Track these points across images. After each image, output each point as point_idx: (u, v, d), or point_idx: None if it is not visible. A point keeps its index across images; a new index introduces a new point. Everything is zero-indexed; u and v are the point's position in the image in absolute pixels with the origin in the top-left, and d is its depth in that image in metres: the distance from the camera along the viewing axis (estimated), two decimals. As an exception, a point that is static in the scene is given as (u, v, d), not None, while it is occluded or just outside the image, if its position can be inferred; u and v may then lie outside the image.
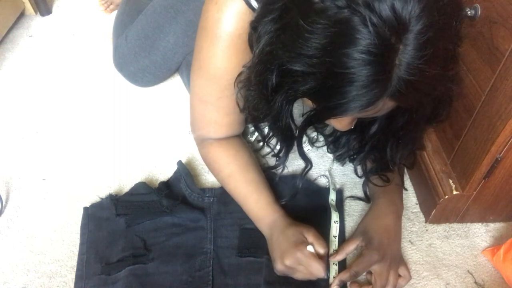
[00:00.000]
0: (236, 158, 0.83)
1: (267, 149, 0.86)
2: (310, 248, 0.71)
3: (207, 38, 0.71)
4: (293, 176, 0.91)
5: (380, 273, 0.73)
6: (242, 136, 0.90)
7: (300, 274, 0.72)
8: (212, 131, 0.83)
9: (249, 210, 0.81)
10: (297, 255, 0.71)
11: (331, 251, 0.79)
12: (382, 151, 0.79)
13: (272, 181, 0.87)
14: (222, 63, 0.72)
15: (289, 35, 0.55)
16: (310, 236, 0.73)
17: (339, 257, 0.78)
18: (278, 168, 0.84)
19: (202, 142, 0.86)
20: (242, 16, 0.67)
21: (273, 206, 0.79)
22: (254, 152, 0.89)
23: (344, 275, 0.74)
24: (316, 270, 0.70)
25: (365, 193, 0.87)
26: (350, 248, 0.78)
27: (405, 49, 0.50)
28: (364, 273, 0.77)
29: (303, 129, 0.66)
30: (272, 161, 0.87)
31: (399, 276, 0.76)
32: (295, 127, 0.72)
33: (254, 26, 0.63)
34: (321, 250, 0.72)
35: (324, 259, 0.72)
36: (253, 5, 0.65)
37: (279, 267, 0.73)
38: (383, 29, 0.48)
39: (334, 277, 0.75)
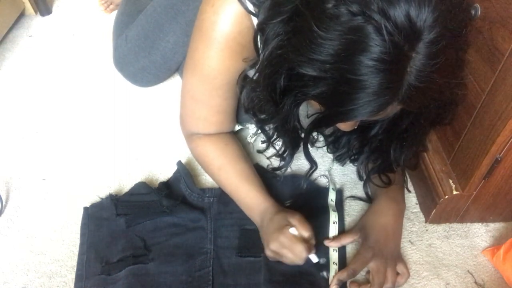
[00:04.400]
0: (226, 151, 0.83)
1: (271, 150, 0.86)
2: (292, 231, 0.72)
3: (202, 40, 0.71)
4: (293, 176, 0.91)
5: (377, 271, 0.73)
6: (242, 137, 0.90)
7: (286, 259, 0.73)
8: (201, 127, 0.84)
9: (240, 200, 0.81)
10: (280, 239, 0.71)
11: (330, 251, 0.79)
12: (386, 152, 0.79)
13: (273, 182, 0.87)
14: (216, 64, 0.72)
15: (301, 39, 0.54)
16: (293, 220, 0.73)
17: (334, 244, 0.79)
18: (282, 169, 0.84)
19: (190, 136, 0.86)
20: (238, 19, 0.67)
21: (264, 195, 0.80)
22: (258, 153, 0.89)
23: (342, 274, 0.74)
24: (299, 251, 0.71)
25: (366, 193, 0.87)
26: (347, 239, 0.80)
27: (417, 56, 0.50)
28: (364, 273, 0.77)
29: (310, 131, 0.66)
30: (275, 162, 0.87)
31: (398, 273, 0.76)
32: (301, 129, 0.72)
33: (261, 27, 0.63)
34: (305, 233, 0.72)
35: (310, 243, 0.73)
36: (250, 9, 0.65)
37: (267, 252, 0.74)
38: (397, 37, 0.48)
39: (333, 277, 0.75)
